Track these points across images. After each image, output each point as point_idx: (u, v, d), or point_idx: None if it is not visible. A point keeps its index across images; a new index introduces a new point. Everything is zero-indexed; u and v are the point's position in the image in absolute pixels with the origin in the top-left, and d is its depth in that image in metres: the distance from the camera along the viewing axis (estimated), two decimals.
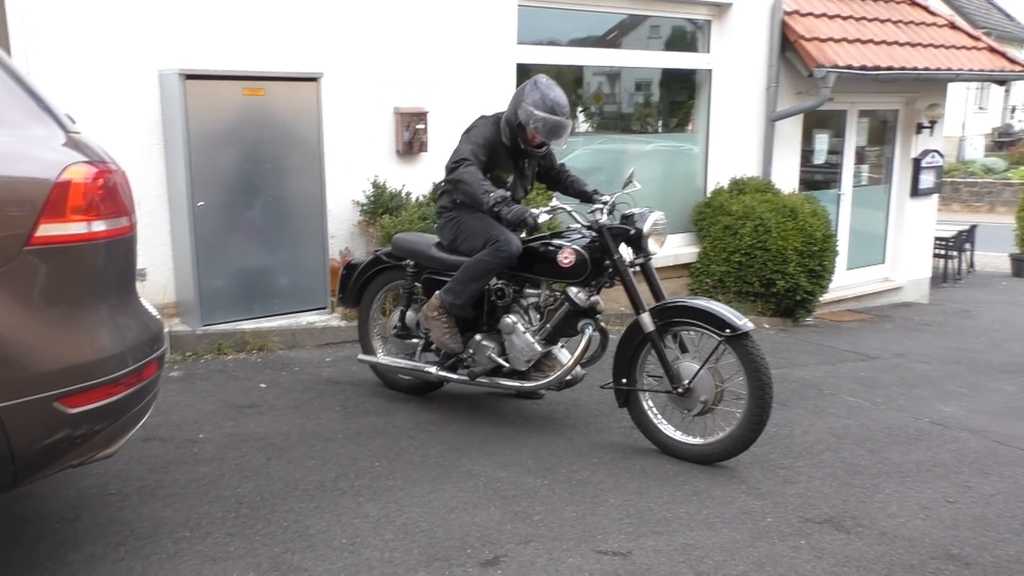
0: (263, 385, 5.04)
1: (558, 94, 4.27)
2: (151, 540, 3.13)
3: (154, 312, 3.08)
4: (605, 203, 4.29)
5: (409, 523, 3.35)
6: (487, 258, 4.25)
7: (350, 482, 3.71)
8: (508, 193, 4.16)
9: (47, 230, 2.55)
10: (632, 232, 4.13)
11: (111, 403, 2.67)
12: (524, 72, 7.38)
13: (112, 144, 5.08)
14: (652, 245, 4.15)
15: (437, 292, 4.44)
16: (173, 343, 5.35)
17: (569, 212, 4.28)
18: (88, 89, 5.43)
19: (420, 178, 6.77)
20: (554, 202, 4.21)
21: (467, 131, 4.43)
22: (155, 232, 5.78)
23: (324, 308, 6.23)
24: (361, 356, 5.00)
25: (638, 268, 4.23)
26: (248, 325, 5.83)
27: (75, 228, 2.61)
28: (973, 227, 13.73)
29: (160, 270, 5.88)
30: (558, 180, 4.82)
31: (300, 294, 6.13)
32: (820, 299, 8.67)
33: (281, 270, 6.03)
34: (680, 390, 4.05)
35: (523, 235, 4.37)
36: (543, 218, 4.03)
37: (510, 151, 4.42)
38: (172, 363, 5.28)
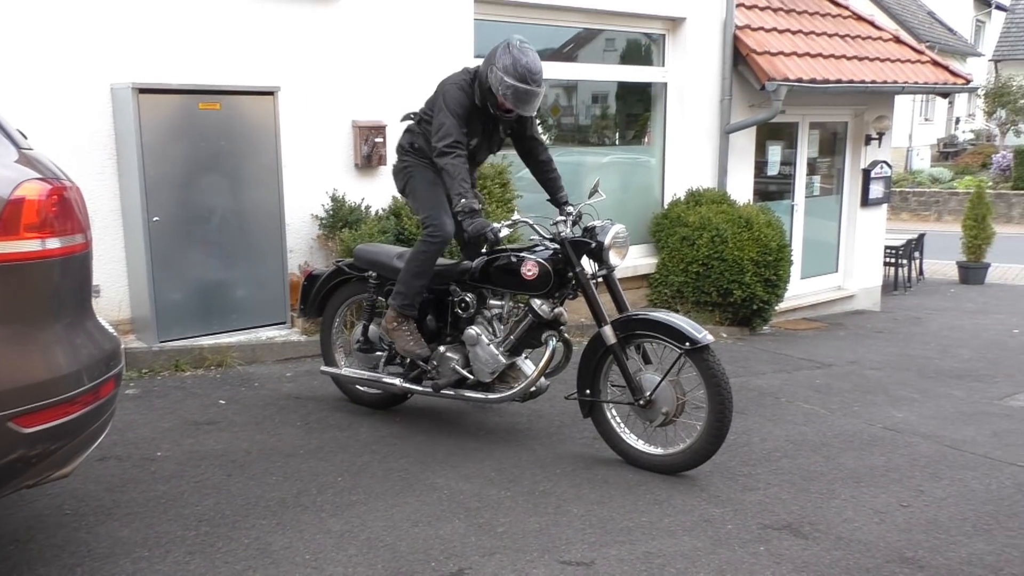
0: (222, 401, 4.98)
1: (531, 60, 4.13)
2: (108, 560, 3.08)
3: (110, 329, 3.05)
4: (569, 214, 4.32)
5: (373, 538, 3.34)
6: (422, 247, 4.28)
7: (312, 498, 3.69)
8: (478, 205, 4.13)
9: (0, 248, 2.51)
10: (593, 245, 4.16)
11: (67, 422, 2.64)
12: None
13: (64, 159, 5.02)
14: (613, 258, 4.18)
15: (389, 300, 4.44)
16: (129, 360, 5.27)
17: (531, 225, 4.30)
18: (38, 104, 5.34)
19: (379, 192, 6.76)
20: (515, 216, 4.24)
21: (448, 90, 4.28)
22: (109, 248, 5.70)
23: (284, 323, 6.18)
24: (324, 368, 4.97)
25: (601, 280, 4.26)
26: (206, 341, 5.76)
27: (29, 246, 2.58)
28: (921, 236, 14.06)
29: (115, 286, 5.79)
30: (535, 165, 4.71)
31: (259, 309, 6.08)
32: (776, 308, 8.81)
33: (239, 285, 5.97)
34: (642, 402, 4.08)
35: (483, 250, 4.38)
36: (504, 232, 4.04)
37: (480, 112, 4.32)
38: (128, 380, 5.20)
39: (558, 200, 4.62)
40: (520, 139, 4.69)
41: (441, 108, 4.24)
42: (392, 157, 6.65)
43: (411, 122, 4.61)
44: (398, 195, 4.91)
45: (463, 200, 4.07)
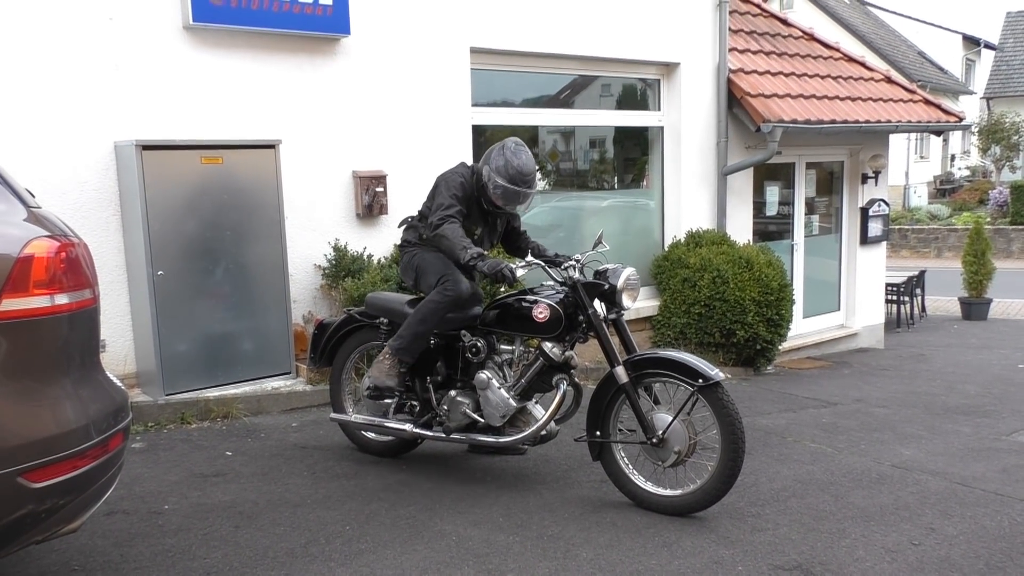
0: (229, 453, 4.98)
1: (523, 162, 4.36)
2: None
3: (118, 383, 3.07)
4: (577, 261, 4.37)
5: None
6: (436, 297, 4.32)
7: (320, 547, 3.67)
8: (484, 251, 4.23)
9: (10, 304, 2.55)
10: (606, 287, 4.21)
11: (76, 476, 2.65)
12: (480, 133, 7.54)
13: (69, 216, 5.10)
14: (625, 300, 4.23)
15: (387, 344, 4.47)
16: (135, 414, 5.26)
17: (544, 267, 4.36)
18: (44, 162, 5.42)
19: (381, 241, 6.82)
20: (529, 258, 4.30)
21: (447, 178, 4.47)
22: (114, 302, 5.74)
23: (289, 373, 6.19)
24: (333, 415, 4.97)
25: (610, 323, 4.28)
26: (212, 393, 5.77)
27: (38, 302, 2.61)
28: (922, 272, 14.09)
29: (120, 340, 5.82)
30: (518, 245, 4.89)
31: (264, 359, 6.09)
32: (779, 347, 8.81)
33: (244, 336, 6.00)
34: (655, 440, 4.08)
35: (503, 289, 4.43)
36: (520, 272, 4.09)
37: (479, 204, 4.52)
38: (134, 434, 5.20)
39: (548, 257, 4.65)
40: (508, 232, 4.88)
41: (440, 191, 4.43)
42: (394, 206, 6.81)
43: (411, 220, 4.71)
44: (399, 242, 4.96)
45: (469, 251, 4.15)
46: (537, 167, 4.52)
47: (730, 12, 9.35)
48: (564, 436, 4.71)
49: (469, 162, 4.65)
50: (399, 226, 4.85)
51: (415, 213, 4.72)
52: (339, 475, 4.62)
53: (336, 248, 6.52)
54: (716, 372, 3.95)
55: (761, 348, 8.36)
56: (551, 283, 4.40)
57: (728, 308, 8.07)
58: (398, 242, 5.02)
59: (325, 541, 3.74)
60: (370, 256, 6.59)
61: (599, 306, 4.22)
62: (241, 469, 4.69)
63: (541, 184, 8.71)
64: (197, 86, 5.98)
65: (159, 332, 5.59)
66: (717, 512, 4.12)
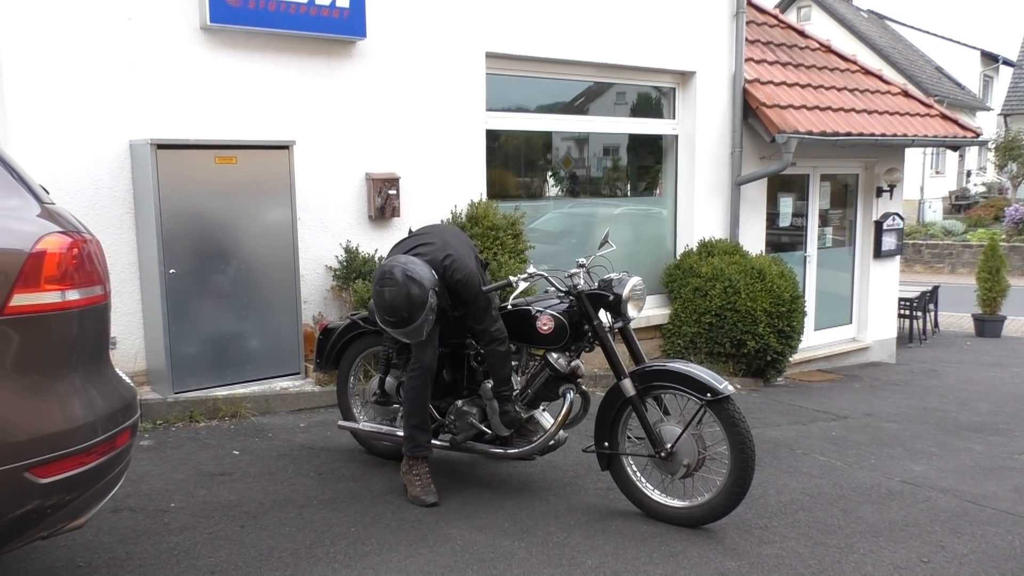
0: (236, 452, 4.98)
1: (381, 294, 3.95)
2: None
3: (127, 380, 3.07)
4: (582, 266, 4.33)
5: None
6: (408, 384, 4.25)
7: (325, 548, 3.67)
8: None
9: (21, 300, 2.55)
10: (611, 298, 4.15)
11: (83, 472, 2.65)
12: (493, 138, 7.55)
13: (83, 213, 5.12)
14: (631, 310, 4.17)
15: (403, 449, 4.35)
16: (144, 411, 5.28)
17: (547, 278, 4.31)
18: (59, 160, 5.45)
19: (392, 243, 6.81)
20: (531, 268, 4.26)
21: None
22: (125, 300, 5.76)
23: (298, 373, 6.20)
24: (341, 423, 4.95)
25: (617, 332, 4.24)
26: (220, 392, 5.78)
27: (49, 297, 2.62)
28: (936, 288, 14.00)
29: (131, 338, 5.84)
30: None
31: (273, 360, 6.10)
32: (790, 359, 8.76)
33: (254, 336, 6.00)
34: (663, 454, 4.04)
35: (509, 303, 4.39)
36: (522, 286, 4.06)
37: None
38: (143, 431, 5.21)
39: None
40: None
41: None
42: (406, 208, 6.83)
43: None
44: None
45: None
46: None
47: (747, 22, 9.32)
48: (571, 443, 4.69)
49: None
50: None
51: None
52: (345, 477, 4.61)
53: (348, 250, 6.53)
54: (725, 386, 3.89)
55: (771, 359, 8.32)
56: (555, 291, 4.36)
57: (739, 318, 8.04)
58: None
59: (330, 542, 3.73)
60: (381, 258, 6.59)
61: (604, 316, 4.18)
62: (248, 469, 4.69)
63: (554, 191, 8.71)
64: (213, 86, 6.00)
65: (170, 330, 5.60)
66: (724, 523, 4.09)
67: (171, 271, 5.58)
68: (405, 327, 3.92)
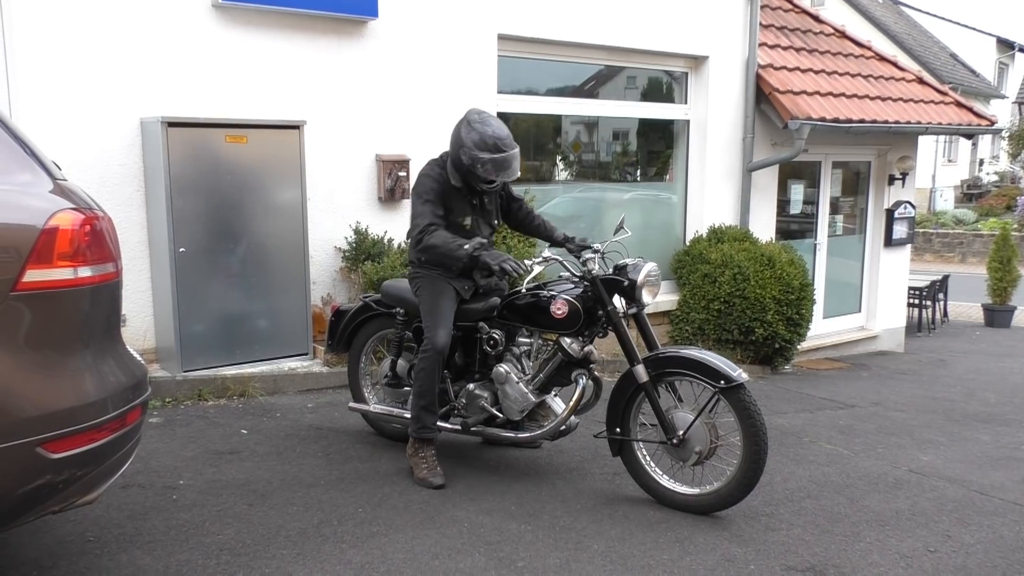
0: (244, 431, 5.00)
1: (496, 128, 4.17)
2: None
3: (138, 357, 3.08)
4: (597, 251, 4.30)
5: (393, 570, 3.32)
6: (420, 365, 4.24)
7: (333, 528, 3.68)
8: (484, 240, 4.12)
9: (33, 276, 2.55)
10: (625, 283, 4.12)
11: (94, 448, 2.66)
12: (505, 120, 7.47)
13: (93, 190, 5.12)
14: (645, 296, 4.14)
15: (408, 430, 4.38)
16: (153, 389, 5.29)
17: (561, 262, 4.28)
18: (70, 136, 5.46)
19: (402, 225, 6.81)
20: (546, 252, 4.23)
21: (415, 187, 4.30)
22: (135, 278, 5.77)
23: (306, 354, 6.21)
24: (352, 404, 4.96)
25: (630, 317, 4.21)
26: (229, 371, 5.80)
27: (61, 274, 2.62)
28: (946, 277, 13.94)
29: (140, 316, 5.86)
30: (520, 220, 4.71)
31: (282, 340, 6.11)
32: (798, 347, 8.75)
33: (262, 316, 6.02)
34: (675, 440, 4.03)
35: (517, 283, 4.37)
36: (536, 270, 4.04)
37: (462, 192, 4.31)
38: (152, 409, 5.23)
39: (556, 239, 4.58)
40: (508, 207, 4.70)
41: (413, 202, 4.29)
42: None
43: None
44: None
45: (466, 246, 4.02)
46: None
47: (761, 7, 9.25)
48: (578, 428, 4.69)
49: (444, 152, 4.38)
50: (406, 239, 4.76)
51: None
52: (353, 457, 4.63)
53: (357, 231, 6.52)
54: (739, 373, 3.87)
55: (780, 347, 8.30)
56: (569, 276, 4.34)
57: (748, 306, 8.02)
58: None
59: (337, 522, 3.75)
60: (390, 240, 6.59)
61: (619, 302, 4.15)
62: (256, 447, 4.71)
63: (563, 174, 8.68)
64: (224, 65, 5.98)
65: (179, 309, 5.61)
66: (731, 510, 4.09)
67: (181, 249, 5.59)
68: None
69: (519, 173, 4.31)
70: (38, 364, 2.58)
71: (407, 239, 4.49)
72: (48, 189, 2.73)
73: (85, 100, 5.51)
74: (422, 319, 4.34)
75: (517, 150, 4.21)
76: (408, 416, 4.53)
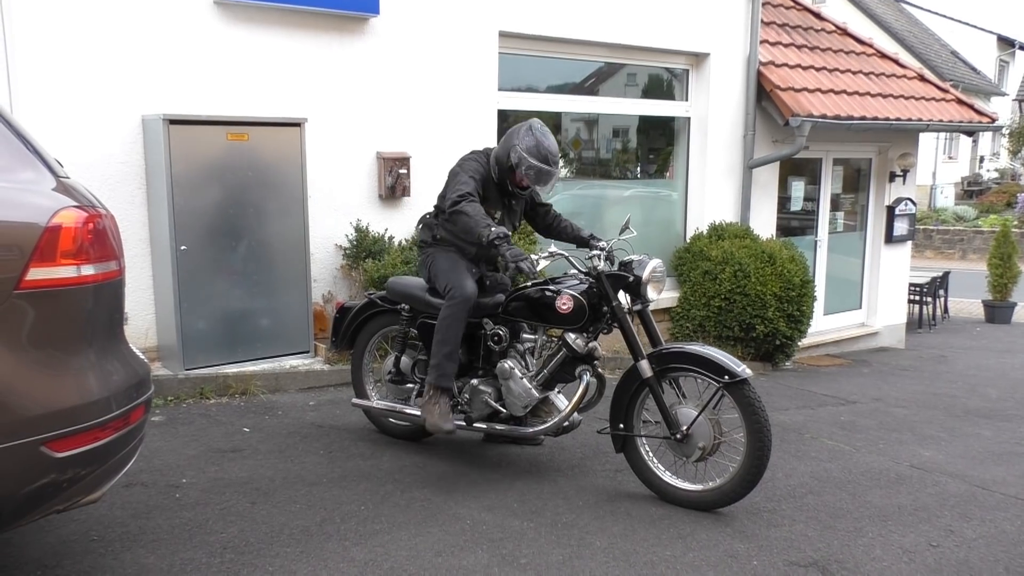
0: (246, 429, 5.01)
1: (551, 143, 4.33)
2: None
3: (141, 356, 3.08)
4: (603, 249, 4.31)
5: (396, 567, 3.33)
6: (445, 312, 4.26)
7: (336, 526, 3.68)
8: (508, 233, 4.14)
9: (37, 274, 2.55)
10: (631, 279, 4.14)
11: (98, 447, 2.66)
12: (504, 118, 7.50)
13: (95, 188, 5.10)
14: (651, 292, 4.16)
15: (426, 379, 4.41)
16: (155, 387, 5.30)
17: (567, 258, 4.30)
18: (72, 133, 5.46)
19: (403, 222, 6.82)
20: (552, 248, 4.24)
21: (461, 163, 4.42)
22: (137, 276, 5.77)
23: (307, 352, 6.21)
24: (355, 400, 4.96)
25: (635, 314, 4.23)
26: (231, 369, 5.80)
27: (65, 272, 2.62)
28: (946, 273, 13.94)
29: (142, 314, 5.86)
30: (548, 225, 4.81)
31: (283, 338, 6.12)
32: (799, 344, 8.75)
33: (264, 314, 6.02)
34: (678, 436, 4.03)
35: (524, 281, 4.38)
36: (542, 264, 4.05)
37: (498, 188, 4.47)
38: (154, 408, 5.22)
39: (584, 239, 4.64)
40: (532, 210, 4.83)
41: (456, 173, 4.36)
42: (416, 188, 6.81)
43: (427, 217, 4.66)
44: (417, 241, 4.92)
45: (492, 229, 4.03)
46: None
47: (763, 4, 9.24)
48: (580, 425, 4.69)
49: (488, 147, 4.59)
50: (417, 225, 4.80)
51: (431, 209, 4.67)
52: (355, 455, 4.63)
53: (358, 229, 6.52)
54: (743, 369, 3.88)
55: (780, 344, 8.30)
56: (575, 272, 4.35)
57: (749, 302, 8.02)
58: (423, 215, 4.95)
59: (340, 520, 3.75)
60: (391, 238, 6.60)
61: (624, 298, 4.16)
62: (258, 446, 4.72)
63: (563, 172, 8.67)
64: (225, 62, 5.98)
65: (181, 307, 5.62)
66: (733, 506, 4.10)
67: (182, 248, 5.59)
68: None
69: (550, 191, 4.54)
70: (41, 363, 2.58)
71: (433, 208, 4.54)
72: (51, 187, 2.73)
73: (87, 97, 5.51)
74: (439, 283, 4.37)
75: (558, 172, 4.39)
76: (411, 412, 4.55)
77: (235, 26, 5.99)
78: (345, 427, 5.11)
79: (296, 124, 6.03)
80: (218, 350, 5.84)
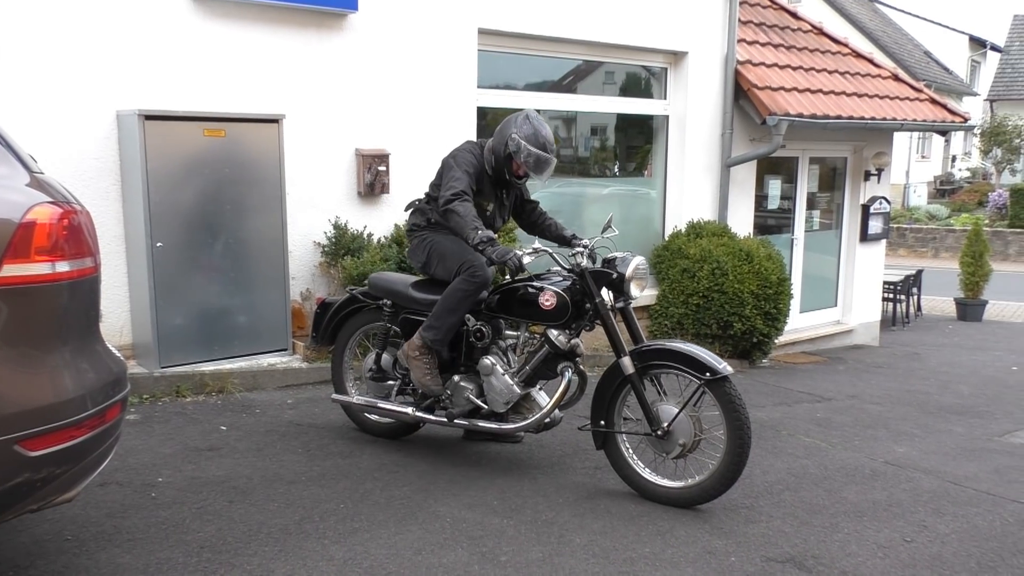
0: (223, 428, 4.97)
1: (548, 132, 4.35)
2: None
3: (117, 353, 3.05)
4: (586, 247, 4.32)
5: (375, 565, 3.32)
6: (463, 285, 4.25)
7: (315, 525, 3.67)
8: (494, 234, 4.17)
9: (10, 270, 2.52)
10: (614, 276, 4.16)
11: (73, 446, 2.63)
12: (484, 115, 7.49)
13: (69, 184, 5.03)
14: (633, 289, 4.19)
15: (418, 331, 4.40)
16: (130, 386, 5.24)
17: (551, 255, 4.30)
18: (45, 129, 5.38)
19: (382, 219, 6.79)
20: (536, 244, 4.25)
21: (455, 155, 4.40)
22: (112, 273, 5.70)
23: (285, 350, 6.17)
24: (334, 396, 4.94)
25: (617, 311, 4.24)
26: (207, 367, 5.75)
27: (39, 268, 2.59)
28: (919, 272, 14.09)
29: (117, 311, 5.79)
30: (533, 222, 4.81)
31: (261, 335, 6.07)
32: (775, 341, 8.81)
33: (241, 311, 5.97)
34: (659, 433, 4.05)
35: (507, 277, 4.38)
36: (527, 260, 4.05)
37: (492, 180, 4.46)
38: (129, 406, 5.15)
39: (567, 239, 4.65)
40: (520, 206, 4.83)
41: (451, 167, 4.34)
42: (395, 185, 6.78)
43: (418, 203, 4.64)
44: (400, 223, 4.91)
45: (479, 232, 4.06)
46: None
47: (740, 3, 9.29)
48: (561, 422, 4.70)
49: (475, 140, 4.58)
50: (405, 210, 4.78)
51: (422, 196, 4.66)
52: (334, 453, 4.61)
53: (336, 226, 6.49)
54: (724, 366, 3.91)
55: (757, 341, 8.36)
56: (558, 269, 4.35)
57: (726, 300, 8.06)
58: (402, 223, 4.95)
59: (319, 519, 3.73)
60: (370, 235, 6.57)
61: (606, 295, 4.17)
62: (236, 444, 4.68)
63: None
64: (202, 57, 5.93)
65: (156, 304, 5.56)
66: (711, 503, 4.12)
67: (158, 244, 5.53)
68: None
69: (546, 181, 4.55)
70: (15, 360, 2.55)
71: (425, 196, 4.53)
72: (25, 182, 2.70)
73: (60, 92, 5.43)
74: (450, 262, 4.33)
75: (555, 161, 4.38)
76: (391, 407, 4.55)
77: (212, 21, 5.94)
78: (324, 425, 5.09)
79: (274, 120, 5.99)
80: (195, 348, 5.79)
